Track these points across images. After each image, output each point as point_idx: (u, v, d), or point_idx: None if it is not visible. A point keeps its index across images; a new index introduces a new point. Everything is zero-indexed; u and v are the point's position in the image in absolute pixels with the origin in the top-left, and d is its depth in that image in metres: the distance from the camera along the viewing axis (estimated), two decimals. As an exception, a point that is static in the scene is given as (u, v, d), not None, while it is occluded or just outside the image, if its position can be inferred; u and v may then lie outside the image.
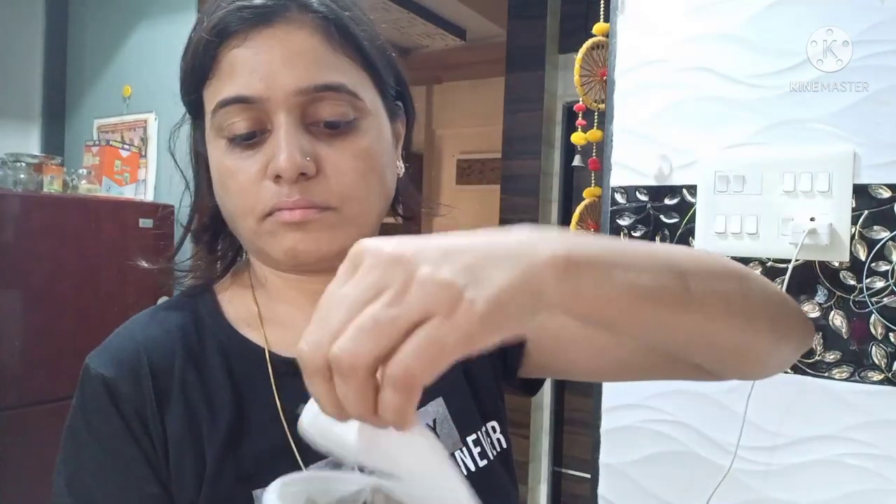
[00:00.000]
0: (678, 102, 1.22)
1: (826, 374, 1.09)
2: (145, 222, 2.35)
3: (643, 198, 1.26)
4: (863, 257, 1.07)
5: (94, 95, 2.75)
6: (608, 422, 1.26)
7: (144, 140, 2.58)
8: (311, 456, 0.52)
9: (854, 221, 1.08)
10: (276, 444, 0.53)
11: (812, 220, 1.09)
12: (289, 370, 0.54)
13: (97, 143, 2.56)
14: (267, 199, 0.52)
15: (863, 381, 1.07)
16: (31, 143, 2.77)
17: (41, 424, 2.06)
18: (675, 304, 0.39)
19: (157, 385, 0.53)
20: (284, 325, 0.58)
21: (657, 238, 1.24)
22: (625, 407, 1.26)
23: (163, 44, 2.55)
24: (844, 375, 1.08)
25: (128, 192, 2.52)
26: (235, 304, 0.60)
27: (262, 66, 0.50)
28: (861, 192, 1.07)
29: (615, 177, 1.29)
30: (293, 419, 0.45)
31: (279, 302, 0.59)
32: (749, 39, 1.16)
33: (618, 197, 1.29)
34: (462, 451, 0.60)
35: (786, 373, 1.12)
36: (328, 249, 0.53)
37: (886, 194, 1.06)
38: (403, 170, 0.63)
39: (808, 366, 1.11)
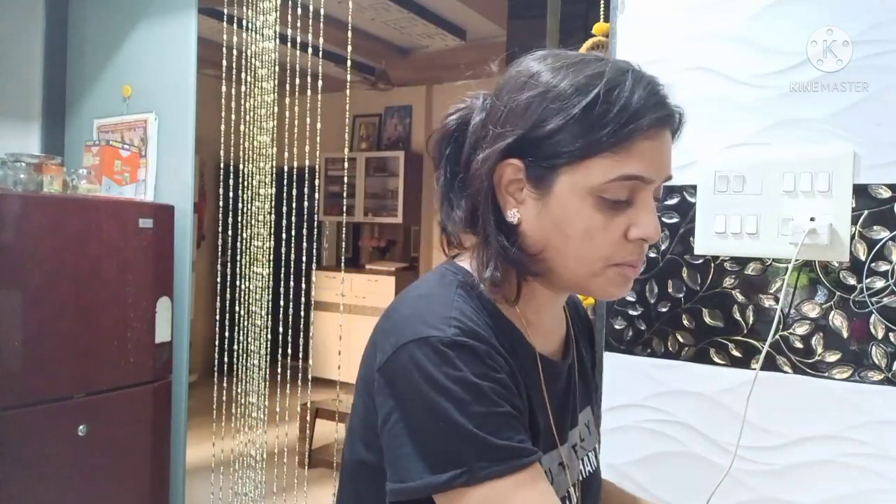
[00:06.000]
0: (678, 102, 1.22)
1: (826, 374, 1.10)
2: (145, 222, 2.34)
3: (643, 198, 1.26)
4: (863, 257, 1.07)
5: (94, 95, 2.74)
6: (608, 422, 1.26)
7: (144, 140, 2.57)
8: (564, 436, 0.74)
9: (854, 221, 1.08)
10: (545, 424, 0.71)
11: (812, 220, 1.09)
12: (546, 367, 0.73)
13: (97, 143, 2.55)
14: (624, 255, 0.67)
15: (863, 381, 1.07)
16: (31, 143, 2.76)
17: (41, 424, 2.06)
18: None
19: (507, 359, 0.67)
20: (541, 329, 0.74)
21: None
22: (625, 407, 1.26)
23: (163, 44, 2.55)
24: (844, 375, 1.08)
25: (128, 192, 2.51)
26: (506, 310, 0.72)
27: (659, 159, 0.67)
28: (861, 192, 1.07)
29: (615, 177, 1.29)
30: (553, 407, 0.72)
31: (537, 310, 0.74)
32: (749, 39, 1.16)
33: (618, 197, 1.29)
34: (594, 452, 0.82)
35: (785, 373, 1.13)
36: None
37: (886, 194, 1.06)
38: None
39: (808, 366, 1.11)
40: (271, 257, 2.48)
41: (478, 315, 0.67)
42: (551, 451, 0.71)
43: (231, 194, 2.55)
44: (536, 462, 0.61)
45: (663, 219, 1.24)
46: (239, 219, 2.56)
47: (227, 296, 2.59)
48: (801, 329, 1.12)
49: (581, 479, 0.77)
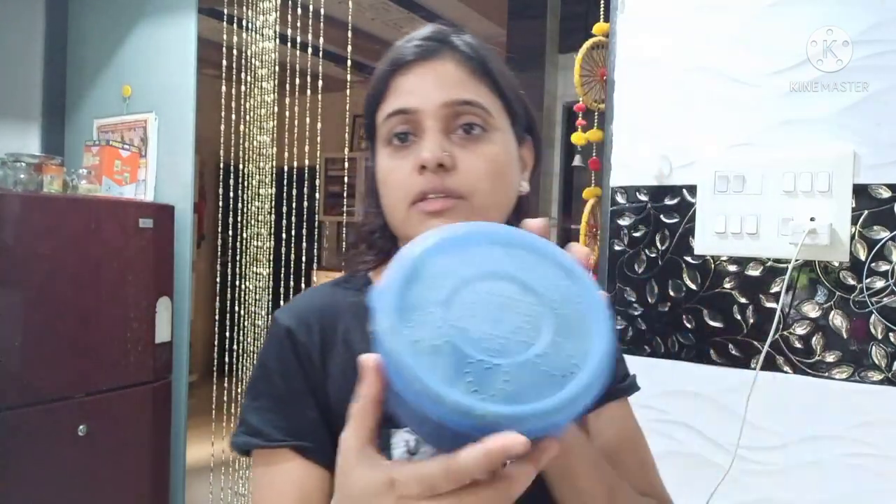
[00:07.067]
0: (678, 102, 1.22)
1: (826, 374, 1.09)
2: (145, 222, 2.34)
3: (643, 198, 1.26)
4: (863, 257, 1.07)
5: (94, 95, 2.74)
6: (608, 422, 1.26)
7: (144, 140, 2.57)
8: None
9: (854, 221, 1.08)
10: None
11: (812, 220, 1.09)
12: None
13: (97, 143, 2.55)
14: (414, 188, 0.65)
15: (863, 381, 1.07)
16: (31, 143, 2.76)
17: (41, 424, 2.05)
18: None
19: (324, 338, 0.69)
20: None
21: (657, 238, 1.24)
22: (625, 407, 1.26)
23: (163, 44, 2.55)
24: (844, 375, 1.08)
25: (128, 192, 2.51)
26: None
27: (418, 87, 0.67)
28: (861, 192, 1.07)
29: (615, 177, 1.29)
30: None
31: None
32: (749, 39, 1.16)
33: (618, 197, 1.29)
34: None
35: (785, 373, 1.13)
36: None
37: (886, 194, 1.06)
38: (528, 189, 0.76)
39: (808, 366, 1.11)
40: (271, 257, 2.48)
41: (329, 299, 0.72)
42: None
43: (231, 194, 2.55)
44: (283, 450, 0.65)
45: (662, 218, 1.24)
46: (239, 219, 2.56)
47: (227, 296, 2.59)
48: (801, 329, 1.12)
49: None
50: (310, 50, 2.38)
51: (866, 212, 1.07)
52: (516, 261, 0.44)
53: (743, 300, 1.16)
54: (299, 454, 0.65)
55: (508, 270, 0.43)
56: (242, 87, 2.49)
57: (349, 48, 2.23)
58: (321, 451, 0.65)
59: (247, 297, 2.54)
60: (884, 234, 1.06)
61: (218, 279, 2.65)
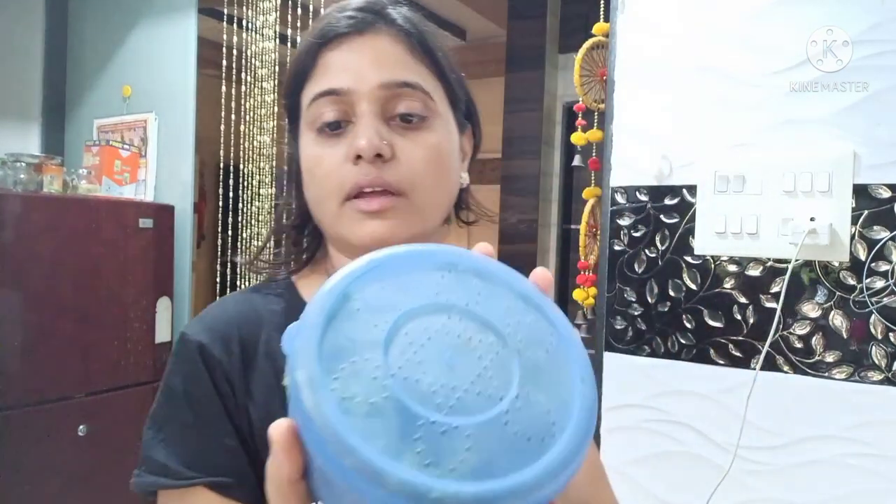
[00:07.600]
0: (678, 102, 1.23)
1: (826, 374, 1.10)
2: (145, 222, 2.35)
3: (643, 198, 1.26)
4: (863, 257, 1.07)
5: (93, 95, 2.74)
6: (608, 422, 1.26)
7: (144, 140, 2.58)
8: None
9: (854, 221, 1.08)
10: None
11: (812, 220, 1.09)
12: None
13: (97, 143, 2.55)
14: (348, 180, 0.57)
15: (863, 381, 1.07)
16: (31, 143, 2.76)
17: (41, 424, 2.06)
18: None
19: (245, 353, 0.60)
20: None
21: (657, 238, 1.24)
22: (625, 407, 1.26)
23: (163, 44, 2.55)
24: (844, 375, 1.08)
25: (128, 192, 2.52)
26: (313, 290, 0.66)
27: (352, 64, 0.59)
28: (861, 192, 1.07)
29: (615, 177, 1.29)
30: None
31: None
32: (749, 39, 1.16)
33: (618, 197, 1.29)
34: None
35: (785, 372, 1.13)
36: (401, 236, 0.57)
37: (886, 194, 1.06)
38: (468, 181, 0.69)
39: (808, 366, 1.11)
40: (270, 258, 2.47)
41: (246, 307, 0.63)
42: None
43: (231, 194, 2.55)
44: (196, 489, 0.55)
45: (662, 218, 1.24)
46: (239, 219, 2.56)
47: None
48: (801, 329, 1.12)
49: None
50: (310, 50, 2.38)
51: (866, 212, 1.07)
52: (469, 290, 0.35)
53: (743, 300, 1.16)
54: (216, 492, 0.55)
55: (460, 303, 0.34)
56: (242, 87, 2.49)
57: (349, 48, 2.22)
58: (242, 487, 0.55)
59: (247, 297, 2.54)
60: (884, 234, 1.06)
61: (218, 279, 2.65)
